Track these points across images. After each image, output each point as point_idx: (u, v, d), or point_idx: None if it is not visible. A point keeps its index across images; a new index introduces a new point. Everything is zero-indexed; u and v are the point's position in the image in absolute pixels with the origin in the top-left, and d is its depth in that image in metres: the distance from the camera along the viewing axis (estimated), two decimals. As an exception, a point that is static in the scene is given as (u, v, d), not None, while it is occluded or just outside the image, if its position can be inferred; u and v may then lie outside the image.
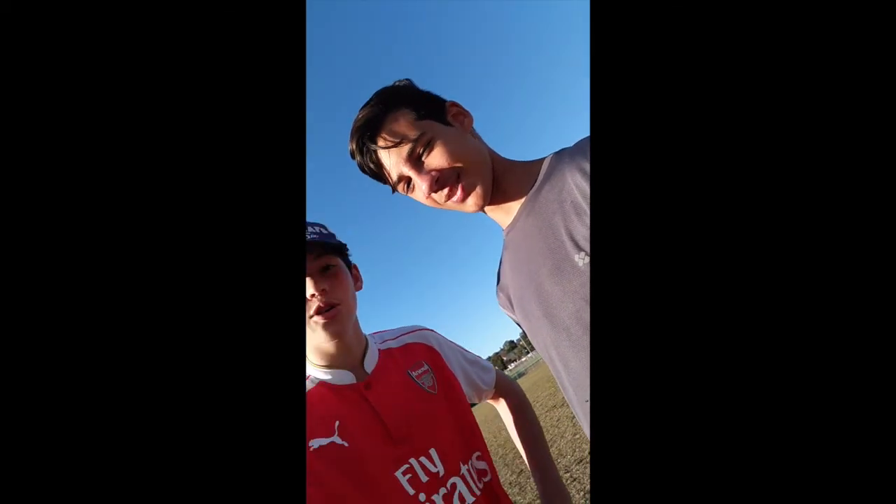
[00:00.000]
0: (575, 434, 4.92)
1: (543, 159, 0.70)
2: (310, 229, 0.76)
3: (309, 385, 0.77)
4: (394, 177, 0.67)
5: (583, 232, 0.60)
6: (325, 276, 0.75)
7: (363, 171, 0.71)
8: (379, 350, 0.85)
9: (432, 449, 0.74)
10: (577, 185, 0.60)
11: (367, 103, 0.68)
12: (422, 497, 0.70)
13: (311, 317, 0.73)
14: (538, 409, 8.11)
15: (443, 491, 0.72)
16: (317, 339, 0.75)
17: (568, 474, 3.73)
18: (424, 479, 0.72)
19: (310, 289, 0.72)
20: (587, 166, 0.59)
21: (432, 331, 0.95)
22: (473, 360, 0.96)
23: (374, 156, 0.67)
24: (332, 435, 0.71)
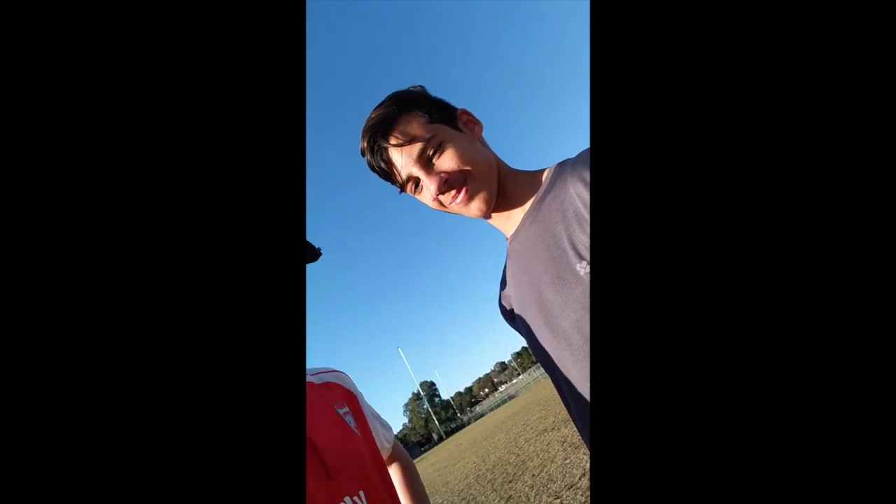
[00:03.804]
0: (565, 459, 4.84)
1: (547, 169, 0.71)
2: None
3: None
4: (403, 176, 0.69)
5: (584, 241, 0.61)
6: None
7: (373, 169, 0.72)
8: None
9: (361, 491, 0.73)
10: (578, 195, 0.62)
11: (381, 104, 0.70)
12: None
13: None
14: (529, 433, 7.94)
15: None
16: None
17: (558, 500, 3.64)
18: None
19: None
20: (589, 176, 0.61)
21: (347, 374, 0.94)
22: (377, 415, 0.95)
23: (385, 154, 0.68)
24: None
